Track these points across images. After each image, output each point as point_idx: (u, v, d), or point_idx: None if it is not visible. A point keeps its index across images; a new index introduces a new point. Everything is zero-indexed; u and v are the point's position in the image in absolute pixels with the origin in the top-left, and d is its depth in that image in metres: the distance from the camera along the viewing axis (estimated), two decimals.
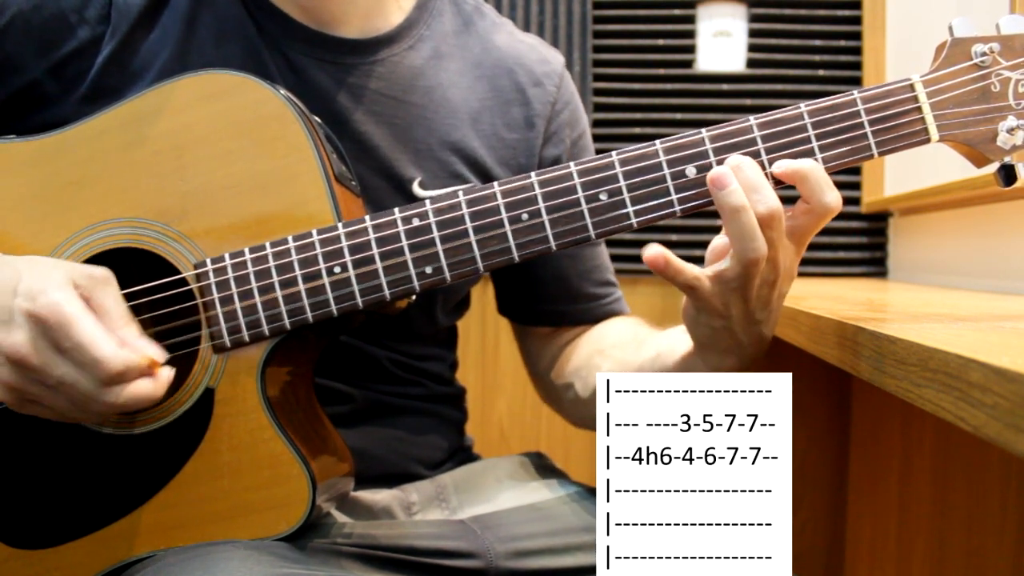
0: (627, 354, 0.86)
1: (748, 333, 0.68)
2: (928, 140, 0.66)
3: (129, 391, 0.63)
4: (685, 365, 0.74)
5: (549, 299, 0.95)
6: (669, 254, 0.63)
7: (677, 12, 1.73)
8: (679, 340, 0.77)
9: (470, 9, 0.93)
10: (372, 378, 0.87)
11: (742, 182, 0.63)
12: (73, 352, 0.61)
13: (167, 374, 0.65)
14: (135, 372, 0.63)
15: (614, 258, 1.74)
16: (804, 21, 1.72)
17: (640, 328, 0.92)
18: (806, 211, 0.64)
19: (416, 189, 0.83)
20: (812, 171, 0.64)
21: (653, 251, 0.63)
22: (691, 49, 1.73)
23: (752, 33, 1.72)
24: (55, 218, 0.72)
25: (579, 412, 0.95)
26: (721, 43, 1.73)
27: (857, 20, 1.70)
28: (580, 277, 0.95)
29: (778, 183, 0.66)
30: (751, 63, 1.72)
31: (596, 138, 1.70)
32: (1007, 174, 0.66)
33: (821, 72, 1.71)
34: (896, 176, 1.60)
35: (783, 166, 0.65)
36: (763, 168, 0.65)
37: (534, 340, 0.99)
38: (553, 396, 0.99)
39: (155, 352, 0.64)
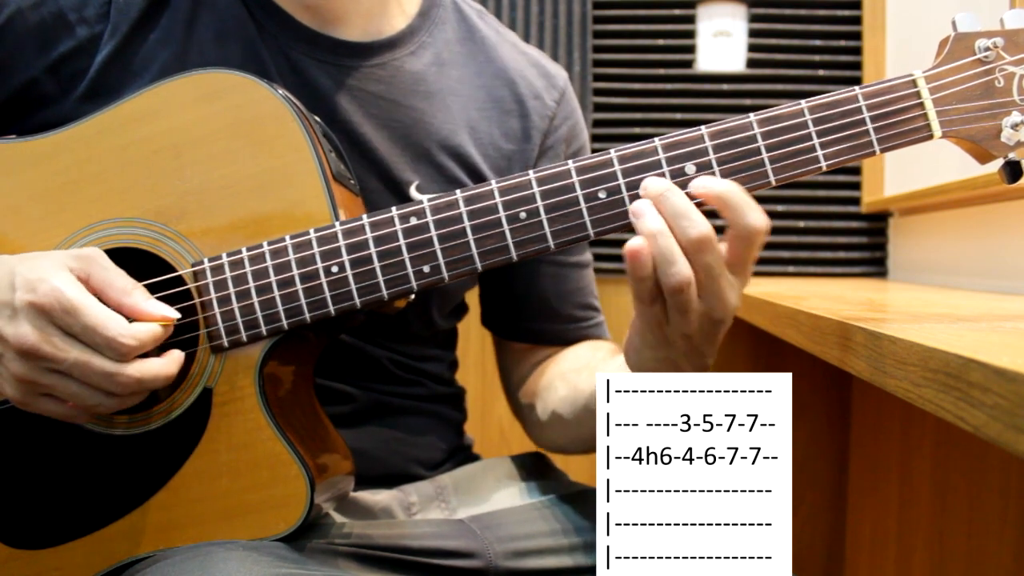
0: (580, 380, 0.85)
1: (692, 364, 0.66)
2: (931, 136, 0.65)
3: (145, 368, 0.65)
4: None
5: (528, 316, 0.95)
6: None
7: (677, 12, 1.73)
8: (623, 370, 0.74)
9: (474, 19, 0.92)
10: (373, 378, 0.87)
11: (668, 210, 0.61)
12: (84, 335, 0.63)
13: (178, 355, 0.67)
14: (150, 342, 0.65)
15: (611, 257, 1.74)
16: (804, 21, 1.72)
17: (598, 353, 0.91)
18: (733, 236, 0.62)
19: (413, 192, 0.83)
20: (729, 193, 0.61)
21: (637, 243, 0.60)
22: (691, 49, 1.73)
23: (752, 33, 1.72)
24: (53, 218, 0.72)
25: (538, 435, 0.94)
26: (721, 43, 1.73)
27: (857, 20, 1.70)
28: (560, 297, 0.94)
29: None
30: (751, 63, 1.72)
31: (596, 138, 1.71)
32: (1012, 170, 0.65)
33: (821, 72, 1.71)
34: (896, 176, 1.60)
35: (700, 186, 0.62)
36: (763, 165, 0.65)
37: (509, 355, 0.99)
38: (520, 415, 0.99)
39: (169, 311, 0.67)
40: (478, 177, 0.87)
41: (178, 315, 0.67)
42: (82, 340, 0.63)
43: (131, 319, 0.65)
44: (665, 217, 0.61)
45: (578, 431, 0.85)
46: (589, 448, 0.89)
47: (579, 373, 0.86)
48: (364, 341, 0.86)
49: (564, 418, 0.85)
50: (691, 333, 0.63)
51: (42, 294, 0.62)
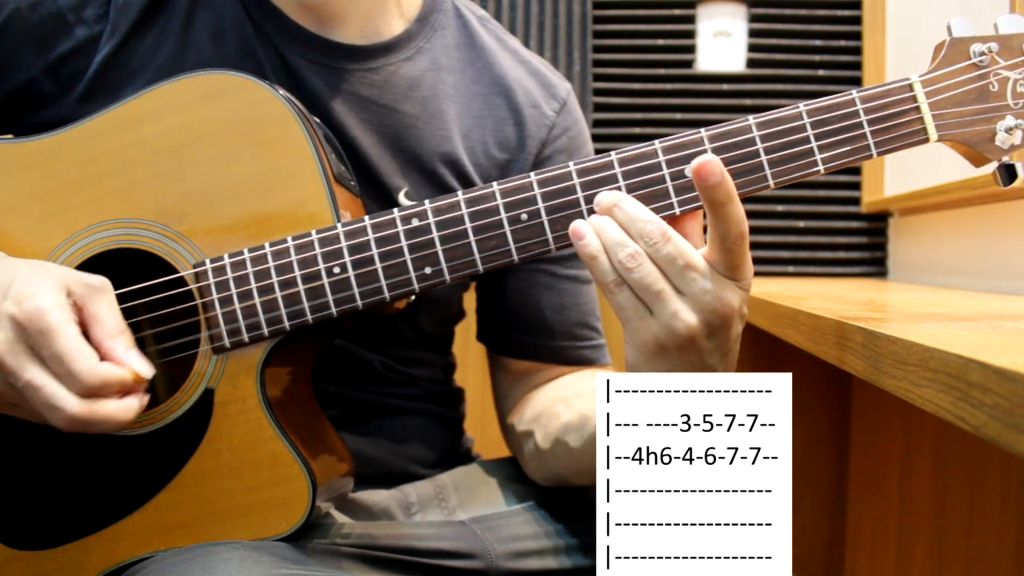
0: (586, 405, 0.79)
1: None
2: (927, 140, 0.66)
3: (97, 409, 0.62)
4: None
5: (522, 328, 0.91)
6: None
7: (677, 12, 1.73)
8: None
9: (475, 25, 0.91)
10: (365, 380, 0.86)
11: (620, 219, 0.62)
12: (51, 361, 0.61)
13: (136, 404, 0.64)
14: (115, 387, 0.62)
15: None
16: (804, 21, 1.72)
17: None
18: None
19: (402, 199, 0.82)
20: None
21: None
22: (691, 49, 1.74)
23: (752, 33, 1.72)
24: (54, 219, 0.72)
25: (538, 465, 0.87)
26: (721, 43, 1.73)
27: (857, 20, 1.70)
28: (556, 310, 0.90)
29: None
30: (751, 63, 1.72)
31: (596, 138, 1.71)
32: (1007, 173, 0.66)
33: (821, 72, 1.71)
34: (896, 176, 1.60)
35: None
36: (762, 168, 0.65)
37: (504, 378, 0.95)
38: (515, 445, 0.92)
39: (142, 367, 0.64)
40: (468, 185, 0.86)
41: (151, 375, 0.64)
42: (48, 365, 0.62)
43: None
44: (619, 222, 0.62)
45: (584, 460, 0.78)
46: (594, 480, 0.84)
47: (585, 397, 0.81)
48: (354, 344, 0.85)
49: (570, 446, 0.79)
50: (691, 335, 0.61)
51: (24, 309, 0.61)
